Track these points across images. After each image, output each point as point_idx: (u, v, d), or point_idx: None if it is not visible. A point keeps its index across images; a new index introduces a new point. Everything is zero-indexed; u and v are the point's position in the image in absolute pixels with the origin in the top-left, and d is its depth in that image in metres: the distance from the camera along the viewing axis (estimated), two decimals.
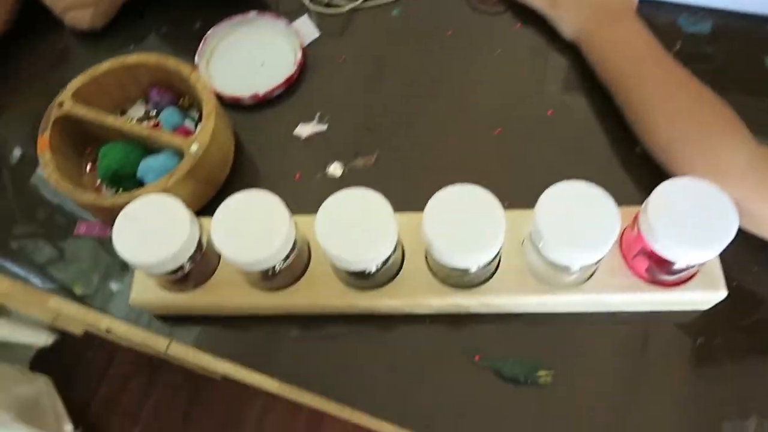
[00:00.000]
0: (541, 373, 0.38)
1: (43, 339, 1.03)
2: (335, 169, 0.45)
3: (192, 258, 0.36)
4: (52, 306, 0.42)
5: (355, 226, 0.33)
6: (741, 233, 0.39)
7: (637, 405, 0.37)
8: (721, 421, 0.36)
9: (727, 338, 0.38)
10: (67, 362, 1.14)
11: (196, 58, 0.50)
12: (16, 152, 0.50)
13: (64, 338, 1.10)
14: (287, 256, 0.36)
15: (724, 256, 0.38)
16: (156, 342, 0.40)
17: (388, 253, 0.35)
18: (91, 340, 1.14)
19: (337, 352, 0.40)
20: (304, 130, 0.47)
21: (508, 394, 0.38)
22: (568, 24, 0.49)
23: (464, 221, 0.33)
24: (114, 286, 0.43)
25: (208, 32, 0.51)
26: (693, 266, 0.34)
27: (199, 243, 0.36)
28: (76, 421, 0.98)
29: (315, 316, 0.41)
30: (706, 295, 0.36)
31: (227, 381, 1.14)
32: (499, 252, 0.35)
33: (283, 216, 0.35)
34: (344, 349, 0.40)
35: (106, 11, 0.52)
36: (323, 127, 0.47)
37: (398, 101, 0.49)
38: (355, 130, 0.47)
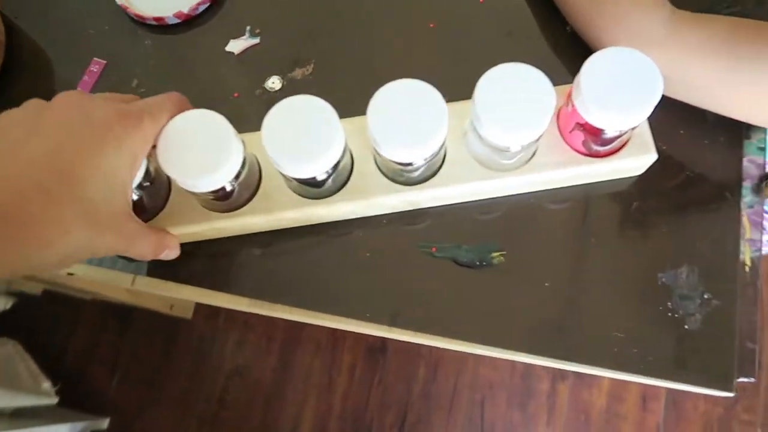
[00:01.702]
0: (495, 254, 0.40)
1: (1, 304, 1.01)
2: (274, 83, 0.44)
3: (141, 186, 0.36)
4: None
5: (302, 133, 0.34)
6: (665, 100, 0.42)
7: (583, 270, 0.40)
8: (656, 273, 0.39)
9: (659, 199, 0.41)
10: (32, 324, 1.12)
11: None
12: None
13: (23, 301, 1.08)
14: (238, 174, 0.36)
15: (652, 124, 0.41)
16: (119, 279, 0.41)
17: (338, 157, 0.35)
18: (52, 298, 1.13)
19: (302, 264, 0.41)
20: (235, 45, 0.46)
21: (466, 278, 0.40)
22: None
23: (408, 116, 0.33)
24: None
25: None
26: (625, 132, 0.36)
27: (147, 171, 0.36)
28: (52, 378, 0.98)
29: (275, 234, 0.41)
30: (640, 159, 0.39)
31: (199, 318, 1.15)
32: (444, 145, 0.36)
33: (228, 132, 0.34)
34: (309, 259, 0.41)
35: None
36: (255, 41, 0.46)
37: (327, 3, 0.47)
38: (289, 40, 0.46)
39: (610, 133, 0.36)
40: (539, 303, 0.39)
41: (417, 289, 0.40)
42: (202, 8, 0.46)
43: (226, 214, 0.39)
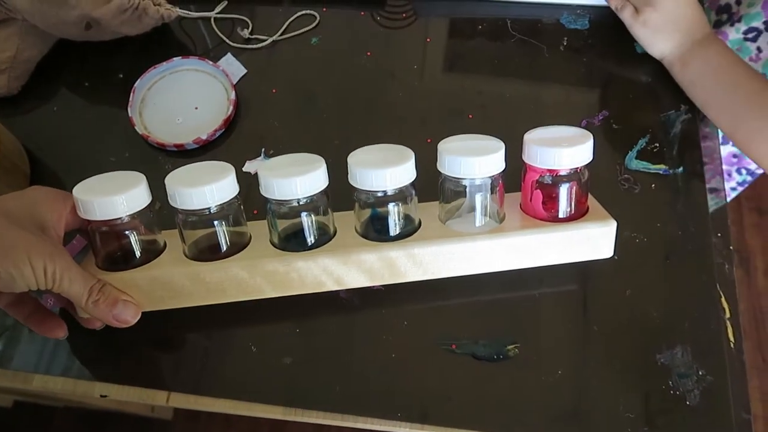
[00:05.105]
0: (509, 347, 0.44)
1: None
2: None
3: (137, 229, 0.39)
4: (37, 385, 0.41)
5: (293, 165, 0.40)
6: (643, 199, 0.47)
7: (590, 356, 0.44)
8: (655, 354, 0.44)
9: (648, 286, 0.46)
10: None
11: (128, 111, 0.50)
12: None
13: None
14: (228, 206, 0.40)
15: (632, 220, 0.46)
16: (153, 397, 0.41)
17: (321, 184, 0.40)
18: (21, 408, 1.07)
19: (330, 368, 0.43)
20: (252, 166, 0.49)
21: (486, 371, 0.43)
22: (659, 45, 0.54)
23: (381, 156, 0.41)
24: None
25: (136, 83, 0.51)
26: (571, 178, 0.41)
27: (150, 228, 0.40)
28: None
29: (299, 338, 0.43)
30: (600, 228, 0.42)
31: (179, 419, 1.11)
32: (414, 196, 0.41)
33: (228, 169, 0.40)
34: (336, 362, 0.43)
35: (22, 74, 0.51)
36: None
37: (336, 125, 0.52)
38: None
39: (561, 175, 0.41)
40: (555, 390, 0.43)
41: (441, 385, 0.43)
42: (218, 134, 0.50)
43: (206, 262, 0.41)
